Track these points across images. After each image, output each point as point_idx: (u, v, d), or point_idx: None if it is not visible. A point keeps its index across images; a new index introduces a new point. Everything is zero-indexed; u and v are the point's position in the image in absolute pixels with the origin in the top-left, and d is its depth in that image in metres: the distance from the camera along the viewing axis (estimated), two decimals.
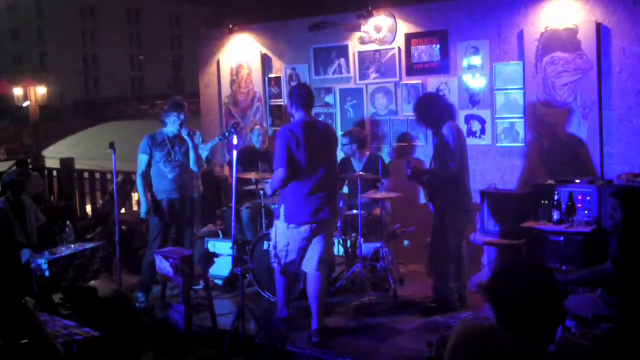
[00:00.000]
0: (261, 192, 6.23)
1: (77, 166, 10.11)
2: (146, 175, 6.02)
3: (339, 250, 6.63)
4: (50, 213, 7.40)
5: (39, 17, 56.49)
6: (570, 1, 6.03)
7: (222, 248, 6.44)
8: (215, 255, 5.46)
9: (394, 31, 7.08)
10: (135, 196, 8.26)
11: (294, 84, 7.68)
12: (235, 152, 5.31)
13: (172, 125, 5.99)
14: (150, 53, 61.93)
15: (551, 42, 6.13)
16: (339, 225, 5.95)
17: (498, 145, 6.58)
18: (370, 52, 7.26)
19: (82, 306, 5.65)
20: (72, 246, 6.17)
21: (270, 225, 6.23)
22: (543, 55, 6.18)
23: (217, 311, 5.37)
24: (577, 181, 5.60)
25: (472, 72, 6.65)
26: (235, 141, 5.45)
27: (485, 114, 6.62)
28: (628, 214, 3.96)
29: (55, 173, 10.04)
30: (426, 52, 6.92)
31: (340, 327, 5.28)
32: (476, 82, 6.64)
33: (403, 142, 7.14)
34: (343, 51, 7.44)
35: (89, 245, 6.30)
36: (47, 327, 4.06)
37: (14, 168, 8.31)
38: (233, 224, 5.22)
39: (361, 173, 6.17)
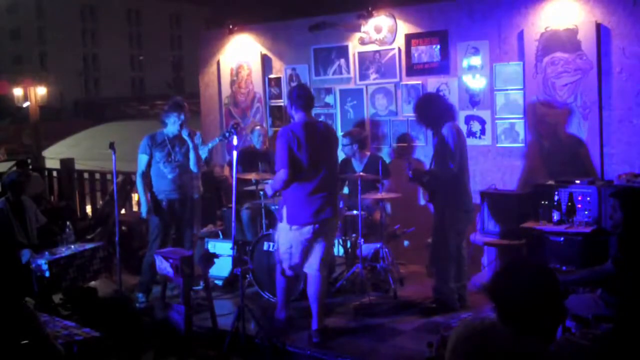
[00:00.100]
0: (261, 193, 6.24)
1: (77, 166, 10.11)
2: (146, 175, 6.02)
3: (338, 250, 6.63)
4: (50, 213, 7.40)
5: (39, 17, 56.48)
6: (570, 1, 6.04)
7: (222, 248, 6.44)
8: (215, 255, 5.46)
9: (393, 31, 7.09)
10: (135, 196, 8.25)
11: (294, 84, 7.68)
12: (235, 153, 5.31)
13: (172, 126, 5.99)
14: (150, 53, 61.93)
15: (551, 42, 6.13)
16: (339, 225, 5.94)
17: (498, 145, 6.58)
18: (370, 52, 7.26)
19: (82, 306, 5.65)
20: (72, 246, 6.17)
21: (270, 225, 6.24)
22: (543, 56, 6.19)
23: (217, 311, 5.37)
24: (577, 181, 5.60)
25: (472, 73, 6.66)
26: (235, 141, 5.45)
27: (485, 114, 6.62)
28: (628, 214, 3.96)
29: (55, 173, 10.03)
30: (426, 52, 6.92)
31: (340, 327, 5.28)
32: (476, 83, 6.64)
33: (403, 142, 7.15)
34: (343, 51, 7.44)
35: (88, 246, 6.30)
36: (47, 327, 4.06)
37: (14, 168, 8.30)
38: (233, 224, 5.22)
39: (361, 173, 6.17)
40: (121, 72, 59.96)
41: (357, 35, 7.31)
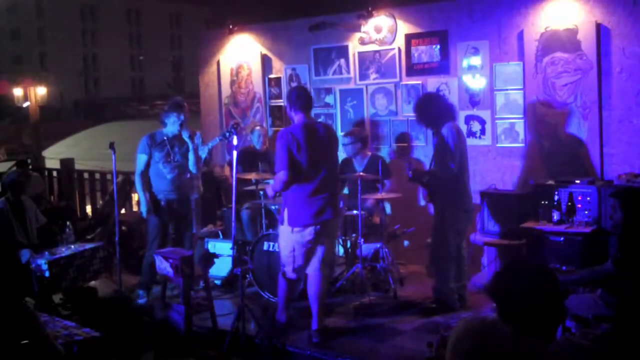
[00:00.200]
0: (261, 193, 6.24)
1: (77, 166, 10.11)
2: (144, 175, 6.02)
3: (338, 250, 6.63)
4: (50, 213, 7.40)
5: (39, 17, 56.49)
6: (570, 1, 6.04)
7: (222, 248, 6.44)
8: (215, 255, 5.46)
9: (393, 31, 7.09)
10: (135, 196, 8.25)
11: (294, 84, 7.69)
12: (235, 153, 5.31)
13: (171, 126, 6.00)
14: (150, 53, 61.93)
15: (551, 42, 6.13)
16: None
17: (498, 145, 6.58)
18: (370, 52, 7.26)
19: (82, 306, 5.65)
20: (72, 246, 6.18)
21: (270, 225, 6.24)
22: (543, 56, 6.19)
23: (217, 311, 5.37)
24: (577, 181, 5.60)
25: (472, 73, 6.66)
26: (235, 141, 5.45)
27: (485, 114, 6.62)
28: (628, 214, 3.96)
29: (55, 173, 10.04)
30: (426, 52, 6.92)
31: (340, 327, 5.28)
32: (476, 83, 6.64)
33: (403, 142, 7.15)
34: (343, 51, 7.44)
35: (88, 246, 6.31)
36: (47, 327, 4.07)
37: (14, 168, 8.30)
38: (233, 224, 5.22)
39: (361, 173, 6.17)
40: (121, 72, 59.96)
41: (357, 35, 7.31)
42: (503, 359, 2.19)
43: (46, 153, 13.81)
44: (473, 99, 6.68)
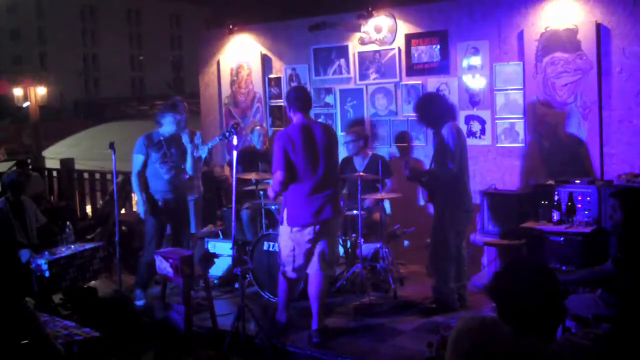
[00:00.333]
0: (261, 193, 6.24)
1: (77, 166, 10.11)
2: (141, 175, 6.00)
3: (338, 250, 6.63)
4: (50, 213, 7.40)
5: (39, 17, 56.51)
6: (570, 1, 6.04)
7: (222, 248, 6.45)
8: (215, 255, 5.46)
9: (393, 31, 7.09)
10: (135, 196, 8.25)
11: (294, 84, 7.69)
12: (235, 153, 5.31)
13: (167, 126, 5.99)
14: (150, 53, 61.96)
15: (551, 42, 6.13)
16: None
17: (498, 145, 6.58)
18: (370, 52, 7.26)
19: (82, 306, 5.64)
20: (72, 246, 6.18)
21: (270, 225, 6.24)
22: (543, 56, 6.19)
23: (217, 311, 5.37)
24: (577, 181, 5.60)
25: (472, 73, 6.66)
26: (235, 141, 5.44)
27: (485, 114, 6.63)
28: (628, 214, 3.96)
29: (55, 173, 10.04)
30: (426, 52, 6.92)
31: (340, 327, 5.27)
32: (476, 83, 6.64)
33: (403, 142, 7.15)
34: (343, 51, 7.44)
35: (88, 246, 6.30)
36: (47, 327, 4.06)
37: (14, 168, 8.30)
38: (233, 224, 5.22)
39: (361, 173, 6.17)
40: (121, 72, 59.99)
41: (357, 35, 7.31)
42: (503, 359, 2.19)
43: (46, 153, 13.82)
44: (473, 99, 6.69)
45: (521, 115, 6.40)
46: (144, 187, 6.01)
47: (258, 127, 7.29)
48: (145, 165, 5.98)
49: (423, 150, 6.98)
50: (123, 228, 6.87)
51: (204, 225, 6.95)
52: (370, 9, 7.06)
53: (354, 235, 6.18)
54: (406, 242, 6.91)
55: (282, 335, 5.07)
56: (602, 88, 5.95)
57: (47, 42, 56.33)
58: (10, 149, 17.54)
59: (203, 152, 6.32)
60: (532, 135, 6.36)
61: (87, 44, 59.82)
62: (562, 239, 5.30)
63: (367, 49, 7.27)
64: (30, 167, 9.16)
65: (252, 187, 6.53)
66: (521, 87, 6.37)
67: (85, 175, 9.72)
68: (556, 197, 5.51)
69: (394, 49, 7.10)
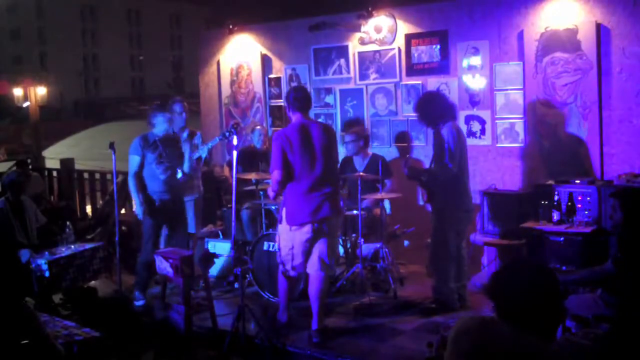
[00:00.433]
0: (261, 192, 6.24)
1: (77, 166, 10.11)
2: (138, 176, 5.98)
3: (338, 250, 6.63)
4: (50, 213, 7.39)
5: (39, 17, 56.51)
6: (570, 1, 6.04)
7: (222, 248, 6.44)
8: (215, 255, 5.47)
9: (393, 31, 7.09)
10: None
11: (294, 84, 7.69)
12: (235, 153, 5.31)
13: (160, 125, 5.98)
14: (150, 53, 61.96)
15: (551, 42, 6.13)
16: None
17: (498, 145, 6.58)
18: (370, 52, 7.26)
19: (82, 306, 5.64)
20: (72, 246, 6.17)
21: (270, 225, 6.24)
22: (543, 56, 6.19)
23: (217, 311, 5.37)
24: (577, 181, 5.60)
25: (472, 72, 6.66)
26: (235, 141, 5.45)
27: (485, 114, 6.63)
28: (628, 214, 3.96)
29: (55, 173, 10.04)
30: (426, 52, 6.92)
31: (340, 327, 5.27)
32: (476, 82, 6.64)
33: (403, 142, 7.15)
34: (343, 51, 7.44)
35: (88, 246, 6.30)
36: (47, 327, 4.06)
37: (14, 168, 8.30)
38: (233, 224, 5.22)
39: (361, 173, 6.17)
40: (121, 72, 60.00)
41: (357, 35, 7.31)
42: (503, 359, 2.19)
43: (46, 153, 13.82)
44: (473, 99, 6.69)
45: (521, 115, 6.40)
46: (142, 187, 6.00)
47: (258, 127, 7.29)
48: (141, 166, 5.97)
49: (423, 150, 6.98)
50: (123, 228, 6.87)
51: (204, 225, 6.95)
52: (370, 9, 7.06)
53: (354, 235, 6.18)
54: (406, 242, 6.91)
55: (283, 335, 5.07)
56: (602, 88, 5.95)
57: (47, 42, 56.33)
58: (10, 149, 17.54)
59: (203, 152, 6.32)
60: (532, 135, 6.36)
61: (87, 44, 59.83)
62: (562, 239, 5.30)
63: (367, 49, 7.27)
64: (30, 167, 9.16)
65: (252, 187, 6.53)
66: (521, 87, 6.37)
67: (85, 175, 9.72)
68: (556, 197, 5.51)
69: (394, 49, 7.10)
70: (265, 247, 5.95)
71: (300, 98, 5.07)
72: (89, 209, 9.58)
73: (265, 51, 8.06)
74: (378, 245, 6.08)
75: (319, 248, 5.03)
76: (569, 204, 5.43)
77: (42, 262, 5.79)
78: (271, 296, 5.85)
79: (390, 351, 4.80)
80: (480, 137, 6.66)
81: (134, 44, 62.99)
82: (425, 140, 6.94)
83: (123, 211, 8.35)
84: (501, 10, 6.44)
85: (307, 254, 5.03)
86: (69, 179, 9.68)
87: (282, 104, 7.82)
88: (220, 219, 7.21)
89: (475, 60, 6.62)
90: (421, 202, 6.78)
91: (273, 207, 6.26)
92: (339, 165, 6.05)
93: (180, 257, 5.07)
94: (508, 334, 2.20)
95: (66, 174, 9.76)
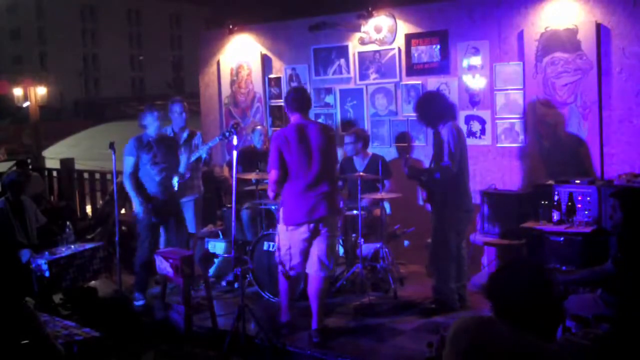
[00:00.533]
0: (261, 192, 6.24)
1: (77, 166, 10.11)
2: (134, 175, 5.96)
3: (339, 250, 6.63)
4: (50, 213, 7.40)
5: (39, 17, 56.53)
6: (570, 1, 6.04)
7: (222, 248, 6.44)
8: (215, 255, 5.46)
9: (393, 31, 7.09)
10: None
11: (294, 84, 7.69)
12: (235, 153, 5.31)
13: (151, 125, 5.97)
14: (150, 53, 61.97)
15: (551, 42, 6.13)
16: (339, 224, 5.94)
17: (498, 145, 6.58)
18: (370, 52, 7.26)
19: (82, 306, 5.65)
20: (72, 246, 6.17)
21: (270, 225, 6.24)
22: (543, 56, 6.19)
23: (217, 311, 5.37)
24: (577, 181, 5.60)
25: (472, 72, 6.66)
26: (235, 141, 5.45)
27: (485, 114, 6.62)
28: (628, 214, 3.96)
29: (55, 173, 10.04)
30: (426, 52, 6.92)
31: (340, 327, 5.27)
32: (476, 82, 6.64)
33: (403, 142, 7.15)
34: (343, 51, 7.44)
35: (88, 246, 6.30)
36: (47, 327, 4.06)
37: (14, 168, 8.30)
38: (233, 224, 5.22)
39: (361, 173, 6.17)
40: (121, 72, 60.01)
41: (357, 35, 7.31)
42: (502, 358, 2.19)
43: (46, 153, 13.81)
44: (473, 99, 6.68)
45: (521, 115, 6.40)
46: (139, 187, 5.97)
47: (259, 127, 7.28)
48: (136, 167, 5.95)
49: (423, 150, 6.98)
50: (123, 228, 6.86)
51: (204, 225, 6.95)
52: (370, 9, 7.06)
53: (354, 235, 6.18)
54: (406, 242, 6.91)
55: (283, 335, 5.07)
56: (602, 88, 5.95)
57: (47, 42, 56.34)
58: (10, 149, 17.54)
59: (203, 152, 6.32)
60: (532, 135, 6.36)
61: (87, 44, 59.84)
62: (562, 239, 5.30)
63: (367, 49, 7.27)
64: (30, 167, 9.16)
65: (252, 187, 6.53)
66: (521, 87, 6.37)
67: (85, 175, 9.72)
68: (556, 197, 5.51)
69: (394, 49, 7.10)
70: (265, 247, 5.95)
71: (298, 99, 5.09)
72: (89, 209, 9.58)
73: (265, 51, 8.06)
74: (378, 245, 6.08)
75: (317, 248, 5.03)
76: (569, 204, 5.43)
77: (42, 262, 5.79)
78: (271, 296, 5.85)
79: (390, 351, 4.80)
80: (480, 137, 6.66)
81: (134, 44, 63.00)
82: (425, 140, 6.94)
83: (123, 211, 8.34)
84: (501, 10, 6.44)
85: (305, 254, 5.03)
86: (69, 179, 9.68)
87: (282, 104, 7.82)
88: (220, 219, 7.20)
89: (475, 60, 6.62)
90: (421, 202, 6.78)
91: (273, 207, 6.26)
92: (338, 165, 6.06)
93: (180, 257, 5.07)
94: (507, 333, 2.20)
95: (66, 174, 9.76)
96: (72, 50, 56.57)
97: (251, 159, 6.92)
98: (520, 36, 6.32)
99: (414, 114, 5.80)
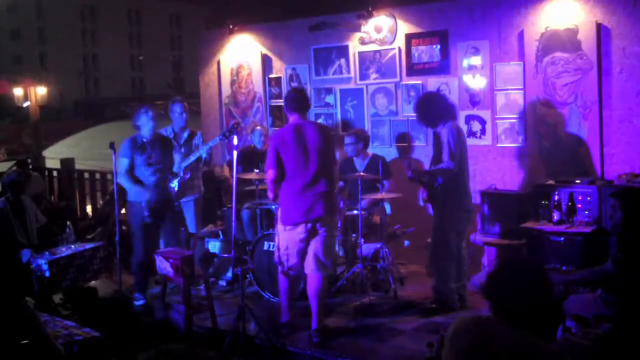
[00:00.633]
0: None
1: (77, 166, 10.10)
2: (129, 172, 5.90)
3: (339, 250, 6.63)
4: (50, 213, 7.39)
5: (39, 17, 56.53)
6: (570, 1, 6.04)
7: (220, 248, 6.44)
8: (215, 255, 5.46)
9: (394, 31, 7.08)
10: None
11: (294, 84, 7.69)
12: (235, 153, 5.31)
13: (145, 126, 5.95)
14: (150, 53, 61.97)
15: (551, 42, 6.13)
16: (339, 225, 5.94)
17: (498, 145, 6.58)
18: (370, 52, 7.26)
19: (82, 306, 5.65)
20: (72, 246, 6.17)
21: (270, 225, 6.24)
22: (543, 56, 6.19)
23: (217, 311, 5.37)
24: (577, 181, 5.61)
25: (472, 72, 6.66)
26: (235, 141, 5.44)
27: (485, 114, 6.62)
28: (628, 214, 3.96)
29: (55, 173, 10.03)
30: (426, 52, 6.92)
31: (340, 327, 5.28)
32: (476, 82, 6.64)
33: (403, 142, 7.14)
34: (343, 51, 7.44)
35: (89, 245, 6.30)
36: (47, 327, 4.06)
37: (14, 168, 8.30)
38: (233, 224, 5.22)
39: (361, 173, 6.17)
40: (121, 72, 60.00)
41: (357, 35, 7.31)
42: (502, 358, 2.19)
43: (46, 153, 13.80)
44: (473, 99, 6.68)
45: (521, 115, 6.40)
46: (136, 180, 5.93)
47: (259, 127, 7.28)
48: (131, 166, 5.94)
49: (423, 150, 6.98)
50: (123, 228, 6.84)
51: (204, 225, 6.95)
52: (370, 9, 7.06)
53: (354, 235, 6.18)
54: (406, 242, 6.91)
55: (283, 335, 5.07)
56: (602, 88, 5.95)
57: (47, 42, 56.34)
58: (10, 149, 17.51)
59: (203, 152, 6.31)
60: (532, 135, 6.36)
61: (87, 44, 59.85)
62: (562, 239, 5.30)
63: (367, 49, 7.27)
64: (30, 167, 9.16)
65: (252, 187, 6.53)
66: (521, 87, 6.37)
67: (86, 175, 9.72)
68: (556, 197, 5.51)
69: (394, 48, 7.10)
70: (265, 247, 5.96)
71: (297, 99, 5.12)
72: (89, 208, 9.57)
73: (265, 51, 8.06)
74: (378, 245, 6.08)
75: (314, 248, 5.03)
76: (569, 204, 5.43)
77: (42, 262, 5.79)
78: (271, 296, 5.85)
79: (390, 351, 4.80)
80: (480, 137, 6.66)
81: (134, 44, 63.00)
82: (426, 140, 6.94)
83: (123, 211, 8.34)
84: (501, 10, 6.44)
85: (302, 253, 5.04)
86: (69, 179, 9.67)
87: (282, 103, 7.82)
88: (221, 219, 7.20)
89: (476, 60, 6.62)
90: (422, 203, 6.78)
91: (273, 207, 6.26)
92: (338, 165, 6.05)
93: (180, 257, 5.07)
94: (507, 333, 2.20)
95: (66, 174, 9.75)
96: (72, 50, 56.57)
97: (251, 159, 6.92)
98: (521, 36, 6.32)
99: (414, 114, 5.80)
